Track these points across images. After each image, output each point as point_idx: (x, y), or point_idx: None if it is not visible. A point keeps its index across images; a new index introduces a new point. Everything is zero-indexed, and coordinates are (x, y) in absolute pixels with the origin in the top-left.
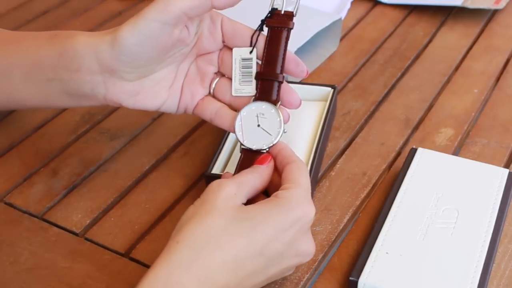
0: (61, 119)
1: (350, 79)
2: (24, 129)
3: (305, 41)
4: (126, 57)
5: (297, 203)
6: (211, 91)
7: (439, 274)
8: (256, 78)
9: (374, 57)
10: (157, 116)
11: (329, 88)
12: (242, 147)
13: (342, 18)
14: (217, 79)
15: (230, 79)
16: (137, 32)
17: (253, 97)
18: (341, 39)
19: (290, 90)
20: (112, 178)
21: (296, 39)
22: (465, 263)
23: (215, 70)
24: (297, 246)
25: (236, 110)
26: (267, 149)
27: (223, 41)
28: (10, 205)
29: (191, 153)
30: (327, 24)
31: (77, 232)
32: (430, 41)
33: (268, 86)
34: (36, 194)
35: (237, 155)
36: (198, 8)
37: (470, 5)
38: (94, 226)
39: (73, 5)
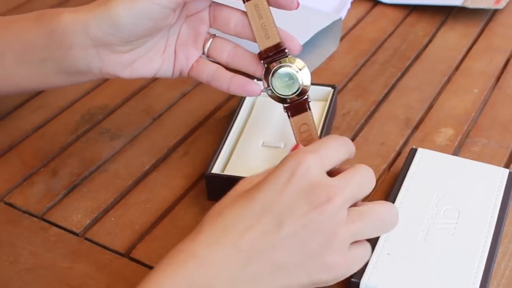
0: (61, 119)
1: (350, 79)
2: (24, 129)
3: (305, 41)
4: (120, 33)
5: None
6: (205, 51)
7: (440, 275)
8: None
9: (374, 57)
10: (157, 116)
11: (329, 88)
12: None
13: (342, 18)
14: (211, 39)
15: (224, 38)
16: (135, 12)
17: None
18: (341, 39)
19: (290, 37)
20: (112, 178)
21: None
22: (467, 264)
23: (208, 28)
24: (306, 219)
25: (233, 69)
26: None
27: None
28: (10, 205)
29: (191, 153)
30: (327, 24)
31: (77, 232)
32: (430, 41)
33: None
34: (36, 194)
35: (237, 155)
36: None
37: (470, 5)
38: (94, 226)
39: (73, 5)
